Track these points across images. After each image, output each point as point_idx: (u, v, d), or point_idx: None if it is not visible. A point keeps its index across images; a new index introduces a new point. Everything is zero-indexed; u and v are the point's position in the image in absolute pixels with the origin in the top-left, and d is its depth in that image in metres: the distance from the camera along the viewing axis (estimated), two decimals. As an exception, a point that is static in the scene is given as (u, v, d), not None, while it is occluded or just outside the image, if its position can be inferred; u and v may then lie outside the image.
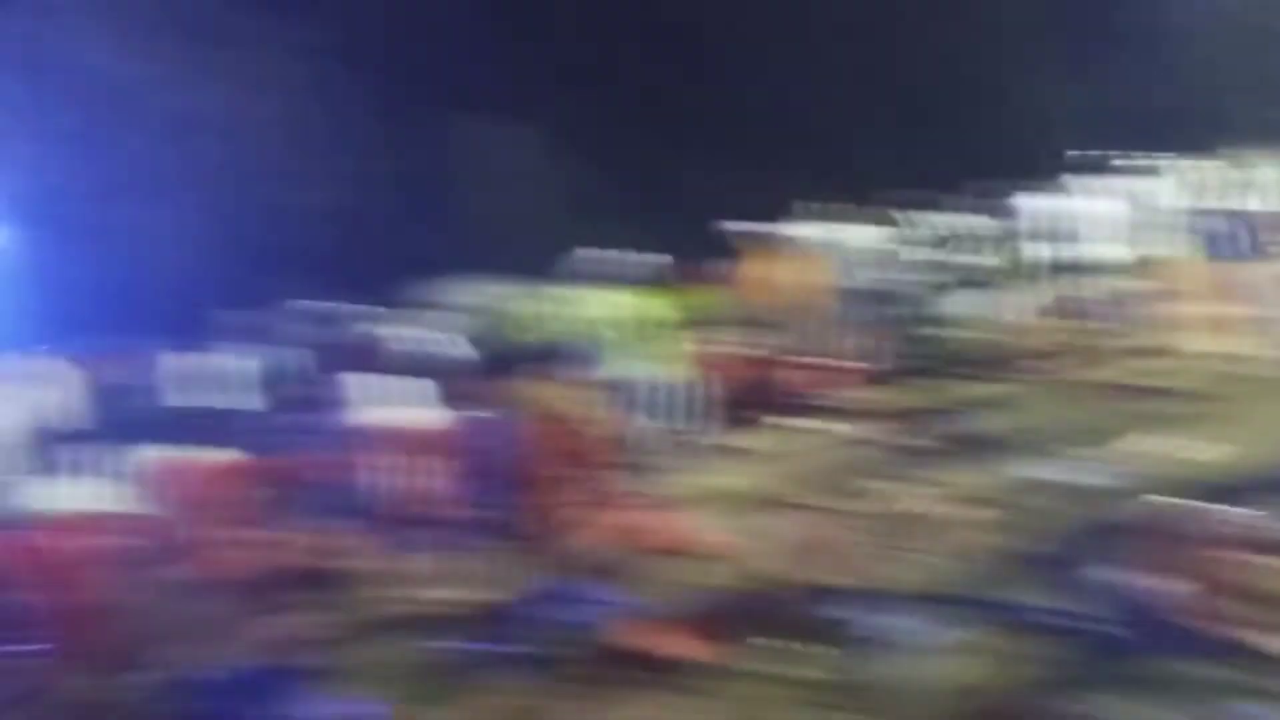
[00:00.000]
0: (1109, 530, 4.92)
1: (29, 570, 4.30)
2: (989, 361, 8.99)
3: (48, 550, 4.37)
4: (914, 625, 4.12)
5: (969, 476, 6.07)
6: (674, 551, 5.19)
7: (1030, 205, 10.02)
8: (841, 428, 7.42)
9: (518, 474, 5.51)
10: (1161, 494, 4.91)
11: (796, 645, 4.09)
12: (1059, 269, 9.66)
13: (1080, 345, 9.13)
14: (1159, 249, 9.33)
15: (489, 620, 4.65)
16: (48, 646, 4.24)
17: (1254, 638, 3.57)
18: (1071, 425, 6.83)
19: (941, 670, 3.83)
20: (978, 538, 5.15)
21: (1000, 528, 5.20)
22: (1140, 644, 3.74)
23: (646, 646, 4.13)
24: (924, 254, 10.01)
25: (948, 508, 5.49)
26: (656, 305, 8.31)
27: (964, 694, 3.69)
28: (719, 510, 6.04)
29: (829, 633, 4.13)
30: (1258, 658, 3.51)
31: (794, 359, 9.36)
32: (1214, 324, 8.64)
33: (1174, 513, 3.94)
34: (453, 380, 6.92)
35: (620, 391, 7.12)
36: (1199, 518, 3.93)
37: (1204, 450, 5.82)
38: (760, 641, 4.17)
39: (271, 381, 7.55)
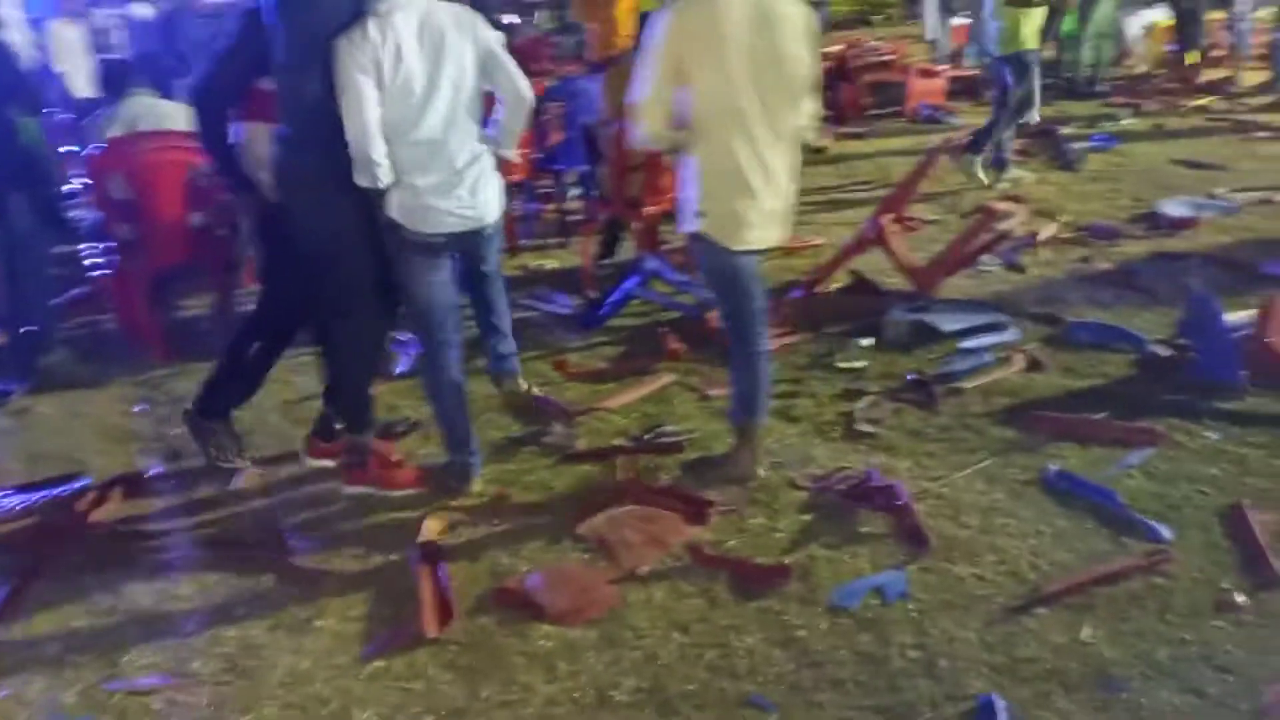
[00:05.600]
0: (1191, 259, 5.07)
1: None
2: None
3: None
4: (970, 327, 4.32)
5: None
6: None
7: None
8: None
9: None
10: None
11: (857, 340, 4.33)
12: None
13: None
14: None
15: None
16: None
17: None
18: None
19: (993, 373, 3.98)
20: (1063, 255, 5.31)
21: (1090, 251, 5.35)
22: (1215, 373, 3.75)
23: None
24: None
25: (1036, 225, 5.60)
26: None
27: (1013, 394, 3.82)
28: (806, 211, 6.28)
29: (891, 329, 4.35)
30: None
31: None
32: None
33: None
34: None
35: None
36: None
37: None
38: (822, 333, 4.44)
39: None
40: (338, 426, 3.51)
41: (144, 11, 8.88)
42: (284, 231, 3.19)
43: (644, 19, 5.00)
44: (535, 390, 3.79)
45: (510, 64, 3.17)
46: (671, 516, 3.12)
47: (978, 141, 6.82)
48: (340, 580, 2.95)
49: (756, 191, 3.03)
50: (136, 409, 4.20)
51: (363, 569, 3.00)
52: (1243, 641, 2.47)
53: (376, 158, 2.92)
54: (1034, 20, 6.57)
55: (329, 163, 2.99)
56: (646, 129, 3.00)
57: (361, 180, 2.97)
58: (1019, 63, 6.56)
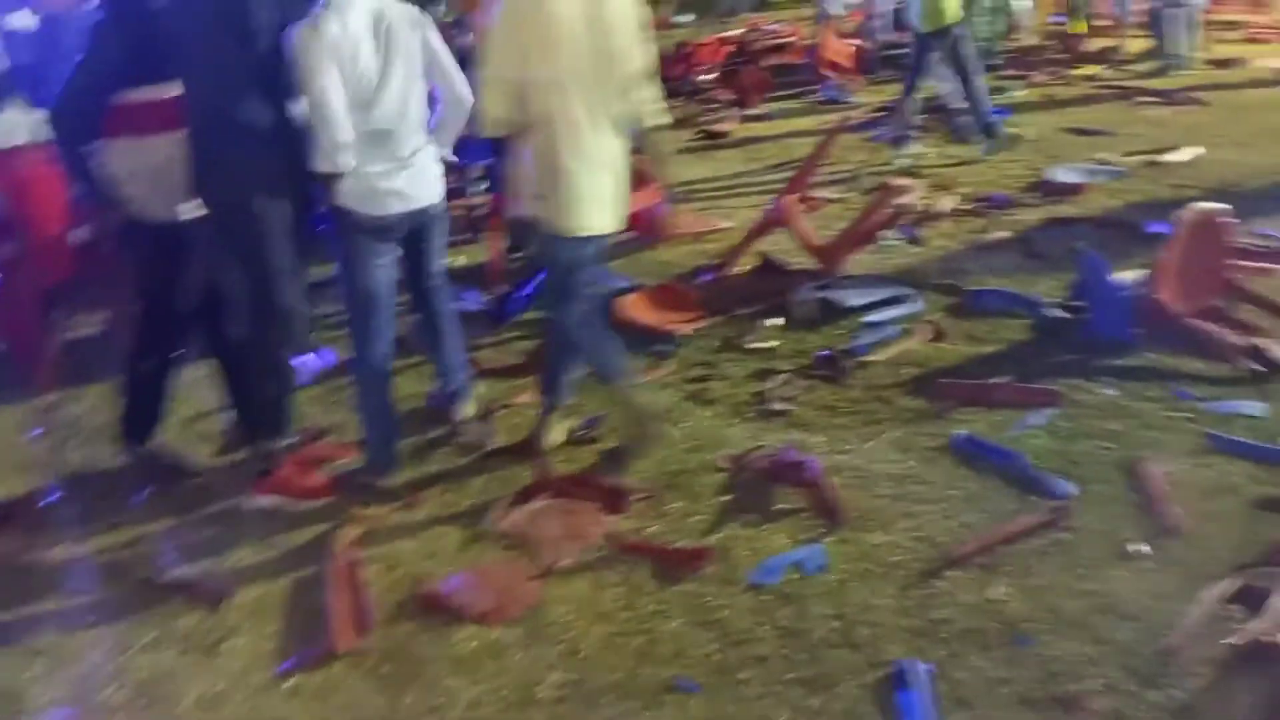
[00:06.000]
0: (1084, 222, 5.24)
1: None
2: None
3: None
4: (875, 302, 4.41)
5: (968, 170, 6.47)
6: (666, 233, 5.53)
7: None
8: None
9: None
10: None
11: (767, 320, 4.37)
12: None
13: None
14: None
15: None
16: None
17: (1252, 342, 3.66)
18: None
19: (900, 345, 4.06)
20: (961, 226, 5.45)
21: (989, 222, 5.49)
22: (1109, 332, 3.88)
23: (634, 319, 4.34)
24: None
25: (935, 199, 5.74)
26: None
27: (919, 364, 3.91)
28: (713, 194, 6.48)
29: (799, 309, 4.42)
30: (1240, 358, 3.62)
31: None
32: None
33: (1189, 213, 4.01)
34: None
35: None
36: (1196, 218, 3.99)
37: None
38: (733, 315, 4.48)
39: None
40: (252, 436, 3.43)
41: (22, 22, 8.52)
42: (153, 246, 3.16)
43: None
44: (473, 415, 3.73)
45: (451, 66, 3.30)
46: (590, 507, 3.12)
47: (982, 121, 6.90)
48: (253, 597, 2.87)
49: (584, 176, 3.09)
50: (31, 434, 4.03)
51: (276, 584, 2.92)
52: (1144, 589, 2.56)
53: (344, 140, 3.02)
54: None
55: (260, 158, 2.99)
56: (486, 113, 3.08)
57: (323, 166, 3.05)
58: (944, 37, 6.66)
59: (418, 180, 3.23)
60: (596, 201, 3.14)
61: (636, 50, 3.14)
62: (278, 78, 3.04)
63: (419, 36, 3.19)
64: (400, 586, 2.85)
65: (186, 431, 3.82)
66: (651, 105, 3.25)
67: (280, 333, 3.26)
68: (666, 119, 3.31)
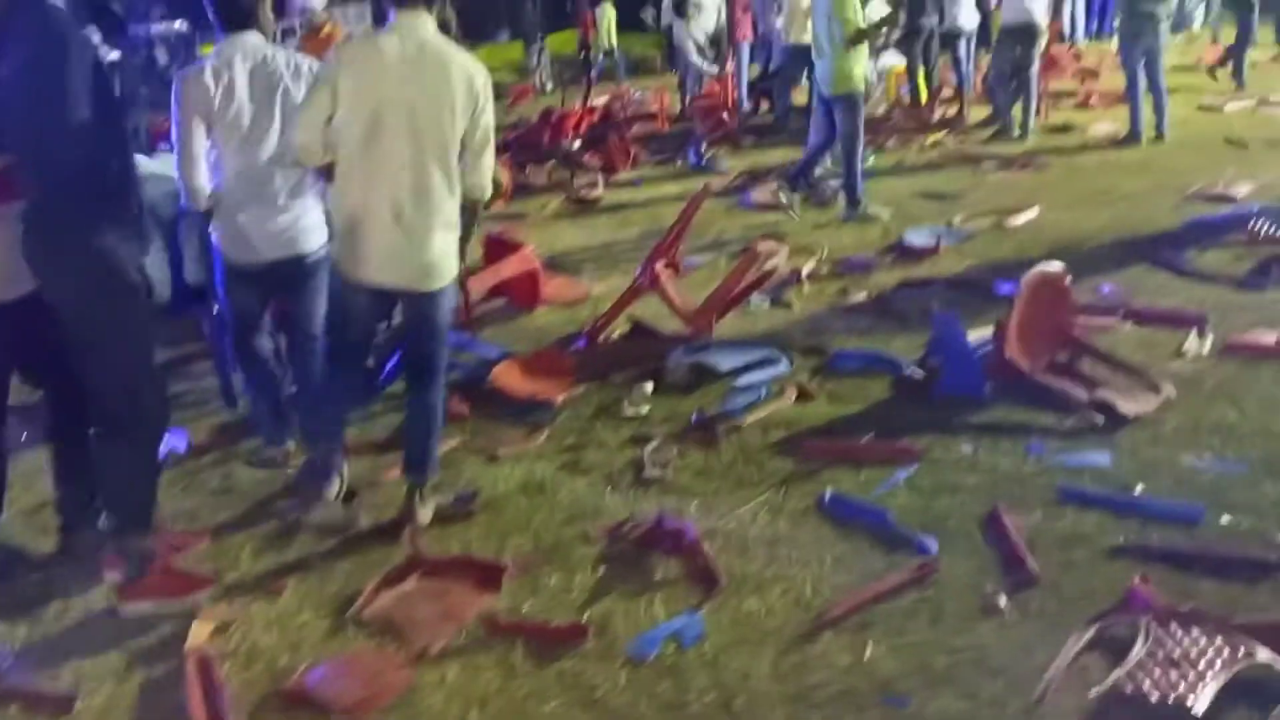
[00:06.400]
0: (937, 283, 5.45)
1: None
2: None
3: None
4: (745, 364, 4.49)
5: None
6: (539, 300, 5.62)
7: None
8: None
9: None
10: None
11: (640, 386, 4.38)
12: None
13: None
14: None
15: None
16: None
17: (1096, 395, 3.82)
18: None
19: (769, 407, 4.12)
20: (825, 290, 5.59)
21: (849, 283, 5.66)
22: (963, 389, 4.02)
23: (507, 388, 4.37)
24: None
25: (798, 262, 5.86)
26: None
27: (787, 425, 3.98)
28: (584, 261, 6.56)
29: (671, 373, 4.47)
30: (1094, 410, 3.78)
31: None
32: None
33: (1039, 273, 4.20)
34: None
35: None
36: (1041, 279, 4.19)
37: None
38: (607, 382, 4.52)
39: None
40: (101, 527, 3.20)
41: None
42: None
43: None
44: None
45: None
46: (463, 587, 3.03)
47: (801, 176, 7.19)
48: (99, 703, 2.67)
49: (381, 230, 3.11)
50: None
51: (125, 686, 2.73)
52: (1010, 642, 2.64)
53: (200, 185, 3.34)
54: (863, 60, 6.94)
55: (105, 223, 2.83)
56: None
57: (190, 204, 3.41)
58: (850, 101, 6.90)
59: (291, 228, 3.37)
60: (379, 253, 3.14)
61: (459, 119, 3.12)
62: (113, 145, 2.89)
63: (302, 83, 3.35)
64: (261, 682, 2.69)
65: (28, 522, 3.56)
66: (484, 179, 3.26)
67: (132, 428, 3.02)
68: (487, 193, 3.32)
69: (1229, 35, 11.79)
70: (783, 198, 7.32)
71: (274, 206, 3.35)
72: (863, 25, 6.80)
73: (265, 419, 3.83)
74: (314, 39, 6.27)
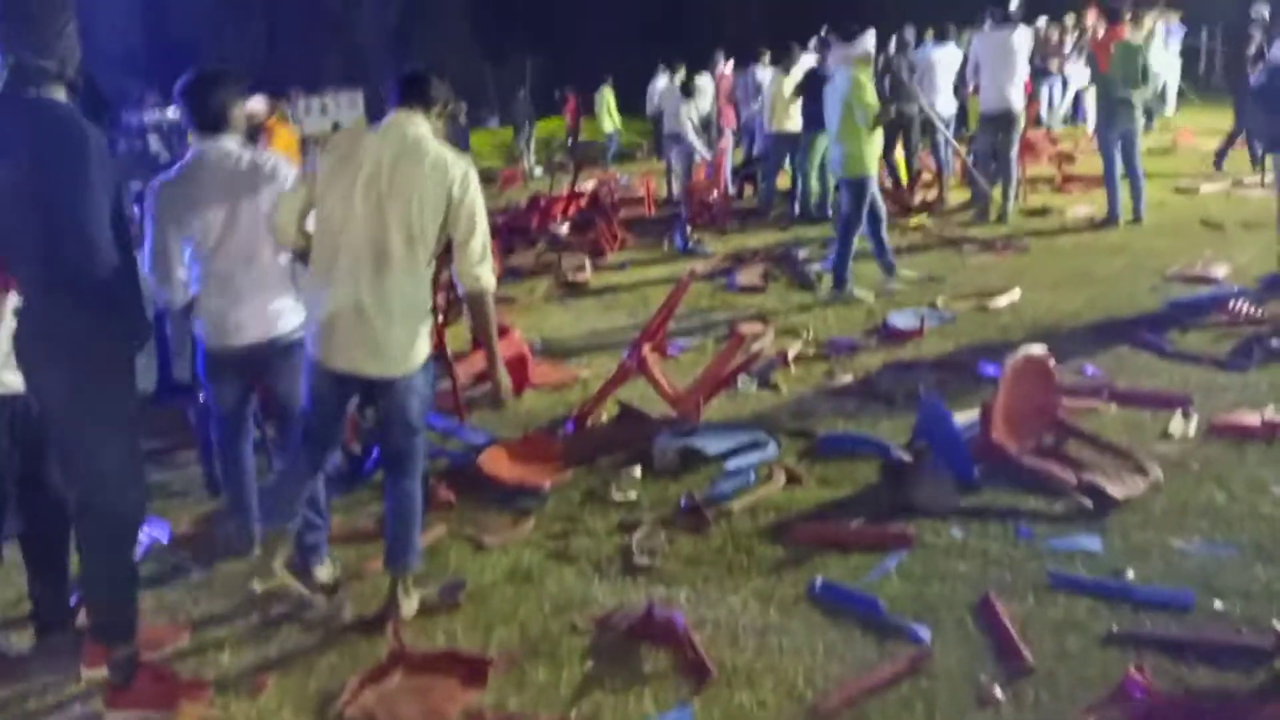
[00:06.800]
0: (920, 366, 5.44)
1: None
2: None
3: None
4: (733, 448, 4.49)
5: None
6: (526, 384, 5.59)
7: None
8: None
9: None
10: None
11: (628, 470, 4.37)
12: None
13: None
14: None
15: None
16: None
17: (1084, 478, 3.81)
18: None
19: (758, 491, 4.11)
20: (811, 371, 5.60)
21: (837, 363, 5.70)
22: (956, 473, 3.98)
23: (494, 474, 4.37)
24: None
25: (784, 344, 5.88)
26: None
27: (777, 510, 3.98)
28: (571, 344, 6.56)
29: (660, 457, 4.45)
30: (1089, 497, 3.76)
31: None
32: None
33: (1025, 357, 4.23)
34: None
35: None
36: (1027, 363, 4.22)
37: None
38: (595, 466, 4.53)
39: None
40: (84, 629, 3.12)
41: None
42: None
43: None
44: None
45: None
46: (448, 683, 2.97)
47: (837, 271, 7.19)
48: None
49: (343, 316, 3.16)
50: None
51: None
52: (1003, 732, 2.59)
53: (170, 286, 3.44)
54: (876, 144, 7.07)
55: (107, 323, 2.80)
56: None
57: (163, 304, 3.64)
58: (859, 185, 7.01)
59: (262, 313, 3.43)
60: (339, 338, 3.17)
61: (436, 213, 3.15)
62: (119, 244, 2.83)
63: (269, 184, 3.39)
64: (239, 785, 2.62)
65: (3, 619, 3.49)
66: (474, 269, 3.23)
67: (112, 531, 2.93)
68: (488, 284, 3.28)
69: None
70: (848, 297, 7.18)
71: (246, 296, 3.40)
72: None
73: (239, 512, 3.76)
74: (271, 138, 6.53)
